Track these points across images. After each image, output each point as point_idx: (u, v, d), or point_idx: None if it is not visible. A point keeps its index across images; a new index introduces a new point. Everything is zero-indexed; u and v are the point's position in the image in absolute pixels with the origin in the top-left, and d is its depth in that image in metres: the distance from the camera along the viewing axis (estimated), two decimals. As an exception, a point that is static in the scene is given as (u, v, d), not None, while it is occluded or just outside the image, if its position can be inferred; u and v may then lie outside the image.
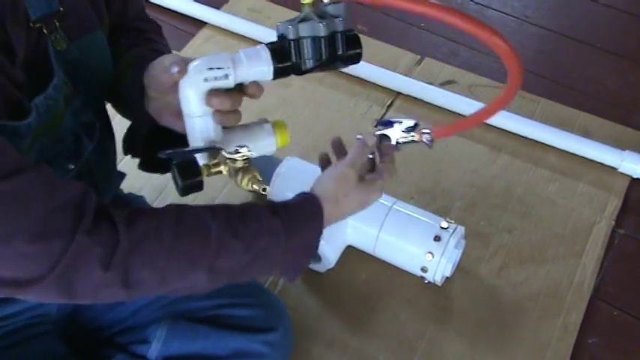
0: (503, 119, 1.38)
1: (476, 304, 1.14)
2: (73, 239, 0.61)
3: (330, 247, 1.12)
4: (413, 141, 0.85)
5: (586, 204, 1.28)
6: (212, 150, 0.75)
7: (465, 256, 1.14)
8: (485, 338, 1.10)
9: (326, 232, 0.77)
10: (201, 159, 0.77)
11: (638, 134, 1.40)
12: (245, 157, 0.75)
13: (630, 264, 1.22)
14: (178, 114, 0.76)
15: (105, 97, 0.88)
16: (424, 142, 0.85)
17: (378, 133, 0.86)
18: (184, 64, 0.72)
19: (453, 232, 1.08)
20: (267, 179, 1.13)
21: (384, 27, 1.61)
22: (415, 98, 1.46)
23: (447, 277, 1.12)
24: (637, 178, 1.32)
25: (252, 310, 0.94)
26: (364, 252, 1.16)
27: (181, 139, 0.77)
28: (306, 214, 0.75)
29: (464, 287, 1.16)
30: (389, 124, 0.85)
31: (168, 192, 1.29)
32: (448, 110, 1.43)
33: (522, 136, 1.38)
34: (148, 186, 1.28)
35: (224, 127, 0.77)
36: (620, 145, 1.35)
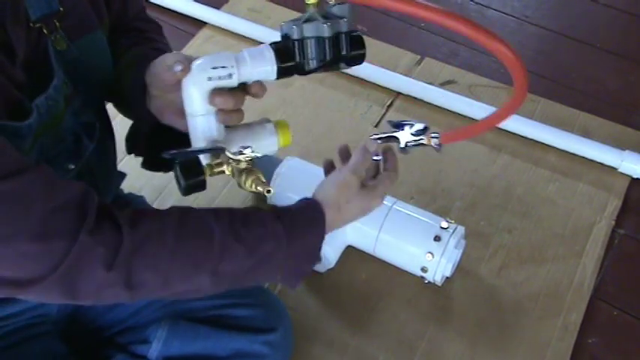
0: (503, 119, 1.38)
1: (476, 304, 1.14)
2: (76, 239, 0.61)
3: (330, 247, 1.12)
4: (422, 144, 0.86)
5: (586, 204, 1.28)
6: (216, 151, 0.75)
7: (465, 256, 1.14)
8: (485, 338, 1.10)
9: (326, 232, 0.77)
10: (204, 159, 0.76)
11: (638, 134, 1.40)
12: (249, 158, 0.75)
13: (630, 264, 1.22)
14: (180, 112, 0.76)
15: (105, 96, 0.88)
16: (432, 145, 0.85)
17: (386, 135, 0.86)
18: (188, 62, 0.72)
19: (453, 232, 1.08)
20: (267, 179, 1.13)
21: (384, 27, 1.61)
22: (415, 98, 1.46)
23: (447, 277, 1.12)
24: (637, 178, 1.32)
25: (252, 311, 0.94)
26: (364, 252, 1.16)
27: (183, 137, 0.77)
28: (308, 220, 0.76)
29: (464, 287, 1.16)
30: (400, 126, 0.85)
31: (168, 192, 1.29)
32: (448, 110, 1.44)
33: (522, 136, 1.38)
34: (148, 186, 1.28)
35: (226, 126, 0.77)
36: (620, 145, 1.35)
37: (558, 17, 1.72)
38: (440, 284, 1.12)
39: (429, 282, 1.12)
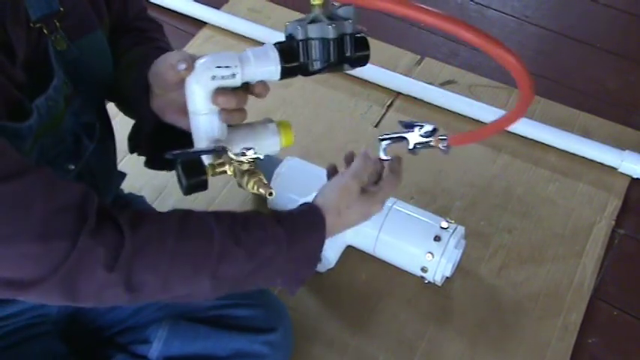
0: (503, 119, 1.38)
1: (476, 304, 1.14)
2: (77, 241, 0.61)
3: (330, 247, 1.12)
4: (429, 146, 0.86)
5: (586, 204, 1.28)
6: (219, 152, 0.74)
7: (465, 256, 1.14)
8: (485, 338, 1.10)
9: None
10: (206, 158, 0.76)
11: (638, 134, 1.40)
12: (251, 160, 0.75)
13: (630, 264, 1.22)
14: (182, 111, 0.75)
15: (106, 96, 0.88)
16: (440, 148, 0.85)
17: (396, 135, 0.86)
18: (191, 61, 0.71)
19: (453, 232, 1.08)
20: (267, 179, 1.13)
21: (384, 27, 1.61)
22: (415, 98, 1.46)
23: (447, 277, 1.12)
24: (637, 178, 1.32)
25: (252, 311, 0.94)
26: (364, 252, 1.16)
27: (186, 136, 0.77)
28: (308, 224, 0.76)
29: (464, 287, 1.16)
30: (411, 126, 0.85)
31: (168, 192, 1.29)
32: (448, 110, 1.44)
33: (522, 136, 1.38)
34: (148, 186, 1.28)
35: (229, 126, 0.77)
36: (620, 145, 1.35)
37: (558, 17, 1.72)
38: (440, 284, 1.12)
39: (429, 282, 1.12)
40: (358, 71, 1.47)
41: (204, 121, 0.74)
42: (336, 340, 1.10)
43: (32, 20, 0.69)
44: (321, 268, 1.15)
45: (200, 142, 0.76)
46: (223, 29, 1.63)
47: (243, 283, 0.73)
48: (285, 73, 0.73)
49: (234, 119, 0.76)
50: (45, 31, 0.71)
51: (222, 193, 1.29)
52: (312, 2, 0.71)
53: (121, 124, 0.89)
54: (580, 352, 1.09)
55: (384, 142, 0.86)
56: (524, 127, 1.38)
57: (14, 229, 0.59)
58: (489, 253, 1.21)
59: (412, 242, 1.09)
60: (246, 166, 0.75)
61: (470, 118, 1.41)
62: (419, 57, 1.57)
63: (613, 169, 1.33)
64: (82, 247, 0.61)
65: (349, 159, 0.87)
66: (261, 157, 0.75)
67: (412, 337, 1.10)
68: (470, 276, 1.17)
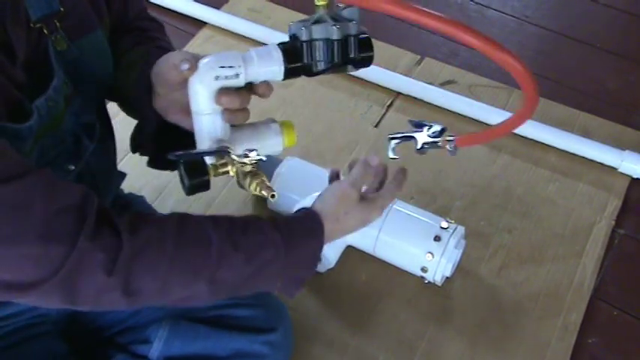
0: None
1: (476, 304, 1.14)
2: (76, 243, 0.61)
3: (330, 248, 1.12)
4: (437, 146, 0.86)
5: (586, 204, 1.28)
6: (221, 153, 0.74)
7: (465, 256, 1.14)
8: (485, 338, 1.10)
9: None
10: (208, 159, 0.76)
11: (638, 134, 1.40)
12: (254, 161, 0.75)
13: (630, 264, 1.22)
14: (185, 111, 0.75)
15: (107, 96, 0.88)
16: (447, 148, 0.85)
17: (404, 134, 0.86)
18: (195, 60, 0.71)
19: (453, 232, 1.08)
20: (267, 179, 1.13)
21: (384, 27, 1.61)
22: (415, 98, 1.46)
23: (447, 277, 1.12)
24: (637, 178, 1.32)
25: (252, 311, 0.94)
26: (364, 252, 1.16)
27: (188, 135, 0.77)
28: (306, 230, 0.76)
29: (464, 287, 1.16)
30: (420, 126, 0.85)
31: (168, 192, 1.29)
32: (448, 110, 1.43)
33: (522, 136, 1.38)
34: (148, 186, 1.28)
35: (232, 126, 0.77)
36: (620, 145, 1.35)
37: (558, 17, 1.72)
38: (440, 284, 1.12)
39: (429, 282, 1.12)
40: (358, 71, 1.47)
41: (207, 121, 0.74)
42: (336, 340, 1.10)
43: (32, 20, 0.69)
44: (321, 268, 1.15)
45: (203, 141, 0.76)
46: (223, 29, 1.63)
47: (241, 288, 0.73)
48: (289, 74, 0.73)
49: (238, 119, 0.76)
50: (45, 31, 0.71)
51: (222, 193, 1.29)
52: (317, 3, 0.70)
53: (121, 124, 0.89)
54: (580, 352, 1.09)
55: (393, 141, 0.86)
56: (524, 127, 1.36)
57: (15, 229, 0.59)
58: (489, 253, 1.21)
59: (412, 242, 1.09)
60: (248, 168, 0.75)
61: (470, 118, 1.41)
62: (419, 57, 1.57)
63: (613, 169, 1.33)
64: (81, 250, 0.61)
65: (353, 167, 0.86)
66: (264, 158, 0.75)
67: (412, 337, 1.10)
68: (470, 276, 1.17)
